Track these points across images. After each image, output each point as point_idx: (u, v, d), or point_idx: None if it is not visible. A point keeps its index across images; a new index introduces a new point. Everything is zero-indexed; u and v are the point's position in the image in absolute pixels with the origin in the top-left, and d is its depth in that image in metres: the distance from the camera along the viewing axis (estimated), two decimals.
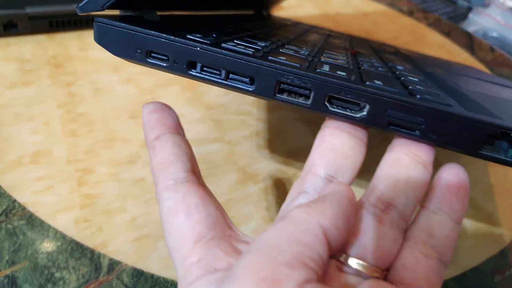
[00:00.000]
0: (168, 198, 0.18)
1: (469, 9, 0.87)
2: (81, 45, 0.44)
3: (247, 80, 0.19)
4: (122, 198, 0.29)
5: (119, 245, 0.26)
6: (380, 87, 0.18)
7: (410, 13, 0.78)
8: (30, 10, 0.43)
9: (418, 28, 0.72)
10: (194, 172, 0.19)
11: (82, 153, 0.32)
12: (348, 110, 0.18)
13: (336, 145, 0.19)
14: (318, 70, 0.19)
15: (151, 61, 0.19)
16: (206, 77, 0.19)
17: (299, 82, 0.18)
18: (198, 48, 0.18)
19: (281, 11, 0.65)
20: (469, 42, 0.70)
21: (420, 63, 0.37)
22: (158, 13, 0.24)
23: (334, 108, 0.18)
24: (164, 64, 0.19)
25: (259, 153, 0.35)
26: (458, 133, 0.17)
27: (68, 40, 0.45)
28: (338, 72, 0.19)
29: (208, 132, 0.36)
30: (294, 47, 0.25)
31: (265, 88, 0.18)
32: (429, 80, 0.26)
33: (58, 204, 0.28)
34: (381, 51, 0.40)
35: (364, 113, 0.18)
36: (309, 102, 0.18)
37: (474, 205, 0.34)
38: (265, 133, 0.37)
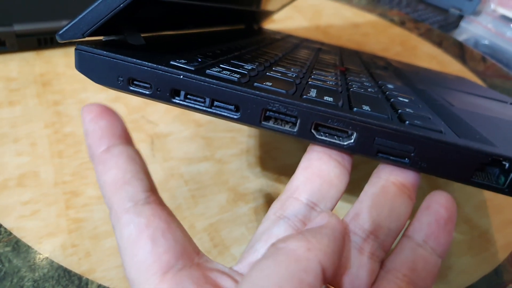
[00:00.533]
0: (128, 223, 0.16)
1: (461, 18, 0.88)
2: (69, 63, 0.44)
3: (232, 107, 0.18)
4: (110, 221, 0.28)
5: (107, 271, 0.26)
6: (368, 114, 0.18)
7: (402, 24, 0.78)
8: (18, 27, 0.42)
9: (409, 38, 0.72)
10: (154, 192, 0.17)
11: (69, 175, 0.31)
12: (335, 137, 0.18)
13: (323, 171, 0.19)
14: (304, 96, 0.19)
15: (133, 89, 0.19)
16: (190, 104, 0.18)
17: (285, 110, 0.18)
18: (182, 76, 0.18)
19: (272, 24, 0.65)
20: (461, 52, 0.70)
21: (411, 78, 0.37)
22: (144, 35, 0.23)
23: (321, 136, 0.18)
24: (147, 92, 0.19)
25: (249, 172, 0.34)
26: (449, 161, 0.17)
27: (55, 58, 0.44)
28: (326, 98, 0.19)
29: (198, 150, 0.35)
30: (282, 69, 0.24)
31: (250, 116, 0.18)
32: (420, 99, 0.25)
33: (44, 229, 0.27)
34: (372, 65, 0.40)
35: (352, 141, 0.18)
36: (295, 129, 0.18)
37: (467, 221, 0.34)
38: (256, 150, 0.37)
